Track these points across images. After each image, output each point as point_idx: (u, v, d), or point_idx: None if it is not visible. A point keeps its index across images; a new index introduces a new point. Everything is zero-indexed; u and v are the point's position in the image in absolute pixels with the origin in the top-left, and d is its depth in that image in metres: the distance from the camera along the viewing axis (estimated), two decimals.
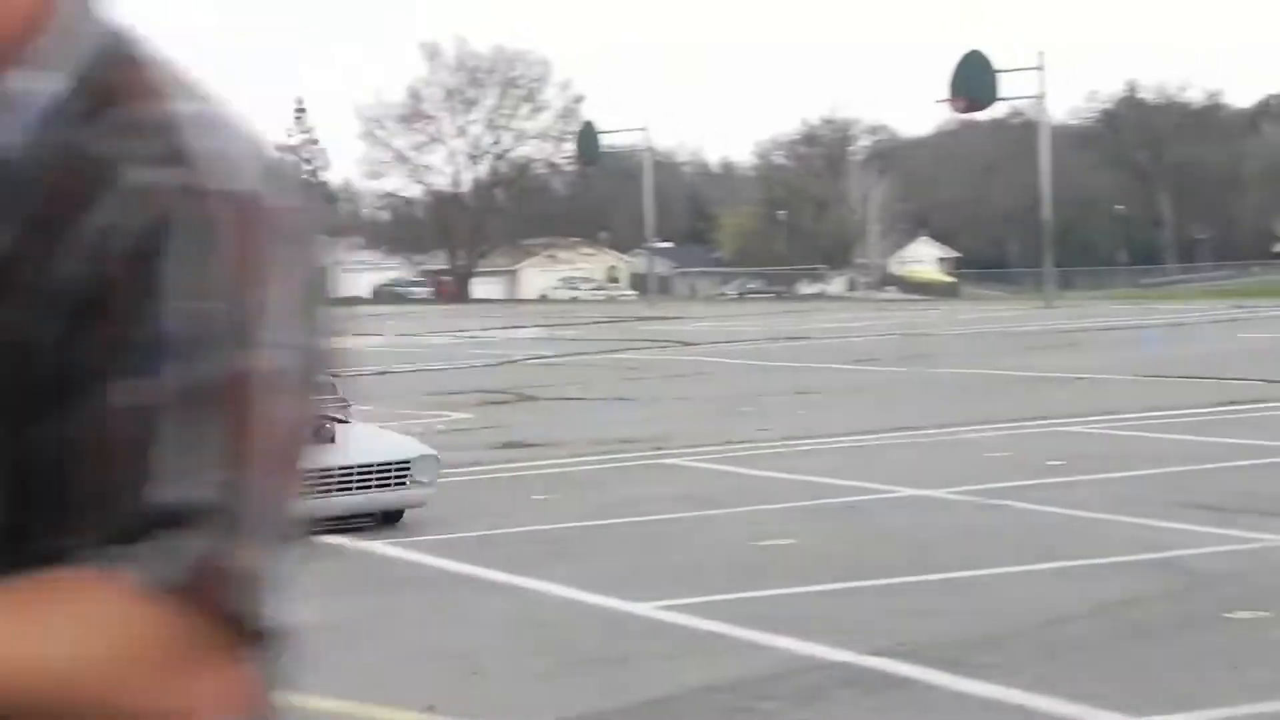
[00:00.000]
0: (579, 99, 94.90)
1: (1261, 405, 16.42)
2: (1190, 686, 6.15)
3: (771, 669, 6.65)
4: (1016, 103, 71.98)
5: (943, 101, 52.21)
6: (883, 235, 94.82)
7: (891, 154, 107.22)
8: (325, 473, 9.59)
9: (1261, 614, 7.25)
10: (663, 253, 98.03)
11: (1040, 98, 51.43)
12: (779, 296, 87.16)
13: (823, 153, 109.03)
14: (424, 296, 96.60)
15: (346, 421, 10.19)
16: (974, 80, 49.96)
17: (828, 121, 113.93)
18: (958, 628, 7.23)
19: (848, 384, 21.24)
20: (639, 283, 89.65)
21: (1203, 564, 8.47)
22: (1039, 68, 50.12)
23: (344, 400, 10.40)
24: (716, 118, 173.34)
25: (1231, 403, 16.65)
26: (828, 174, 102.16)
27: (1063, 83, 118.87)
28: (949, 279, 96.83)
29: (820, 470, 12.44)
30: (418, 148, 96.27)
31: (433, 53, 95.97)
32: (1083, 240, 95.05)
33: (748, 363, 26.31)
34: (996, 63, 50.15)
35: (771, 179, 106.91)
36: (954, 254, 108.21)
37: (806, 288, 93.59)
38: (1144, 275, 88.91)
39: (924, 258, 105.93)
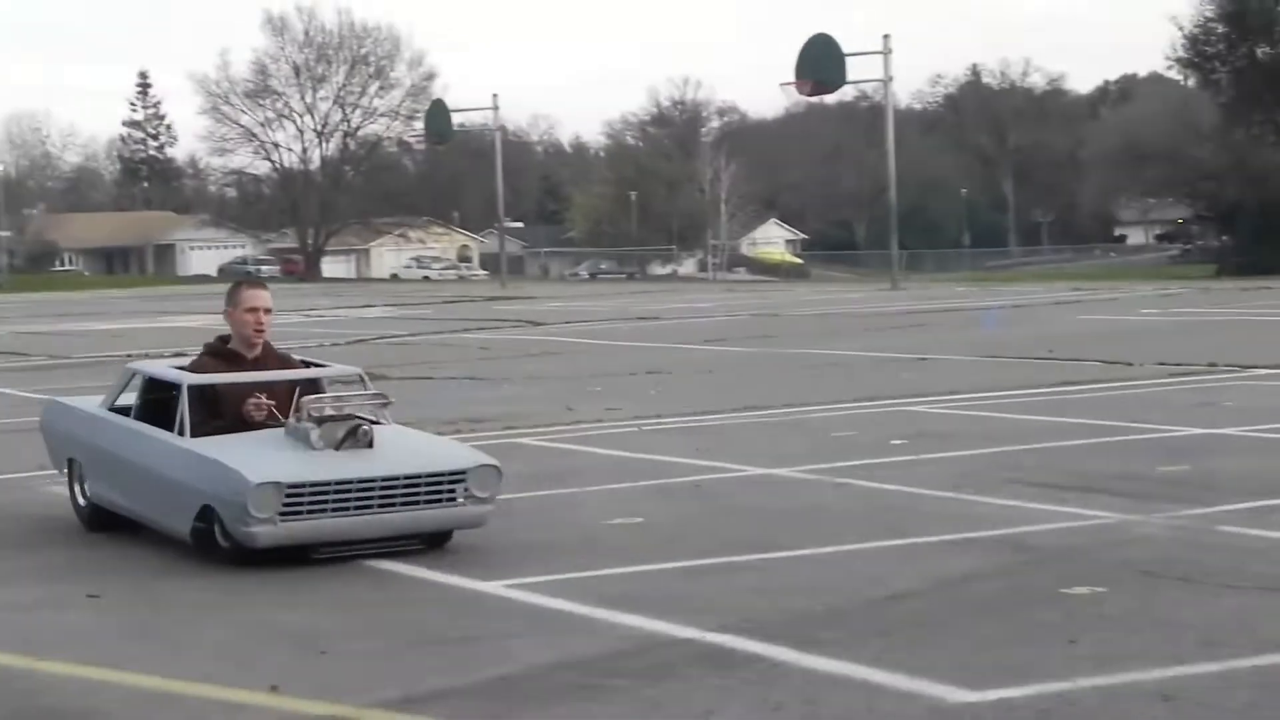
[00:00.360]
0: (430, 76, 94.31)
1: (1097, 385, 16.81)
2: (1027, 660, 6.29)
3: (620, 646, 6.70)
4: (863, 86, 72.78)
5: (790, 84, 52.51)
6: (732, 216, 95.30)
7: (741, 135, 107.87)
8: (365, 486, 8.36)
9: (1097, 589, 7.43)
10: (514, 232, 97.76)
11: (887, 81, 51.96)
12: (631, 277, 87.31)
13: (673, 133, 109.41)
14: (272, 275, 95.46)
15: (380, 423, 8.89)
16: (821, 63, 50.36)
17: (678, 103, 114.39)
18: (803, 604, 7.33)
19: (697, 364, 21.38)
20: (490, 262, 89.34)
21: (1040, 540, 8.67)
22: (885, 51, 50.64)
23: (381, 397, 8.98)
24: (568, 96, 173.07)
25: (1068, 383, 17.02)
26: (678, 155, 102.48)
27: (909, 66, 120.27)
28: (798, 260, 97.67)
29: (669, 449, 12.52)
30: (265, 124, 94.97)
31: (279, 27, 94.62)
32: (928, 223, 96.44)
33: (598, 342, 26.38)
34: (843, 46, 50.59)
35: (622, 159, 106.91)
36: (803, 236, 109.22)
37: (658, 268, 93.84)
38: (987, 257, 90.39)
39: (773, 239, 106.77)
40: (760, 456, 12.05)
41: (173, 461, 8.72)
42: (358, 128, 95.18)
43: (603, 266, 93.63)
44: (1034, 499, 9.88)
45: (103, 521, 9.58)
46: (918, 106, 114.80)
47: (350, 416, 8.59)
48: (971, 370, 19.03)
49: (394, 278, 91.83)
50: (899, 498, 10.13)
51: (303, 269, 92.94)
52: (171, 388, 9.10)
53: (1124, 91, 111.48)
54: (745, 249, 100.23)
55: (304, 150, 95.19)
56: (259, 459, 8.32)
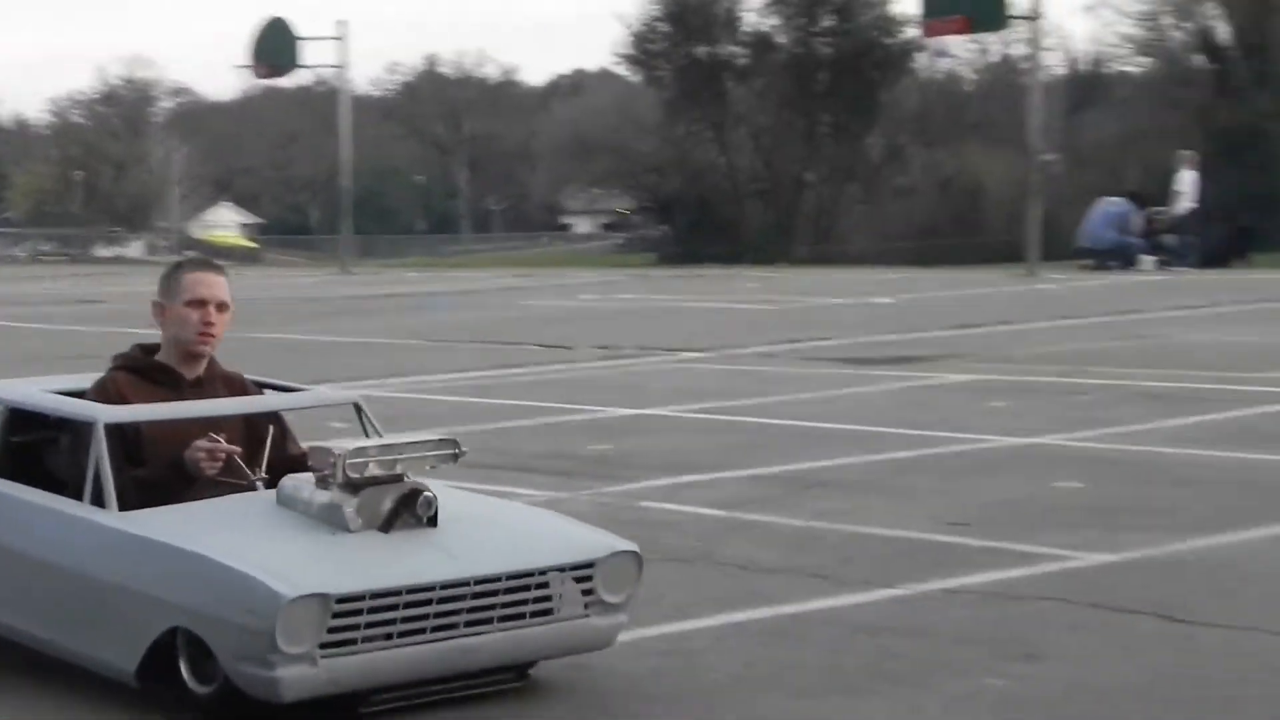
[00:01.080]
0: None
1: (537, 368, 17.30)
2: None
3: None
4: (320, 71, 72.27)
5: (244, 67, 51.69)
6: (184, 199, 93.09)
7: (195, 117, 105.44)
8: (451, 593, 5.25)
9: None
10: None
11: (341, 67, 51.83)
12: (73, 259, 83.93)
13: (122, 112, 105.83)
14: None
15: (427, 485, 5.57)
16: (275, 47, 49.80)
17: (128, 81, 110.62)
18: None
19: None
20: None
21: None
22: (340, 37, 50.54)
23: (449, 445, 5.77)
24: (9, 73, 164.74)
25: (510, 366, 17.45)
26: (127, 134, 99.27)
27: (367, 53, 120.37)
28: (251, 244, 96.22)
29: None
30: None
31: None
32: (383, 208, 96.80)
33: (36, 326, 25.28)
34: (298, 30, 50.21)
35: (68, 137, 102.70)
36: (257, 219, 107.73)
37: (104, 250, 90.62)
38: (441, 243, 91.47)
39: (226, 223, 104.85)
40: None
41: (100, 554, 5.32)
42: None
43: (43, 248, 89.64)
44: (469, 479, 10.00)
45: None
46: (376, 93, 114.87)
47: (398, 478, 5.55)
48: (416, 354, 19.25)
49: None
50: None
51: None
52: (60, 426, 5.84)
53: (575, 85, 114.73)
54: (196, 232, 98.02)
55: None
56: (278, 554, 5.10)
